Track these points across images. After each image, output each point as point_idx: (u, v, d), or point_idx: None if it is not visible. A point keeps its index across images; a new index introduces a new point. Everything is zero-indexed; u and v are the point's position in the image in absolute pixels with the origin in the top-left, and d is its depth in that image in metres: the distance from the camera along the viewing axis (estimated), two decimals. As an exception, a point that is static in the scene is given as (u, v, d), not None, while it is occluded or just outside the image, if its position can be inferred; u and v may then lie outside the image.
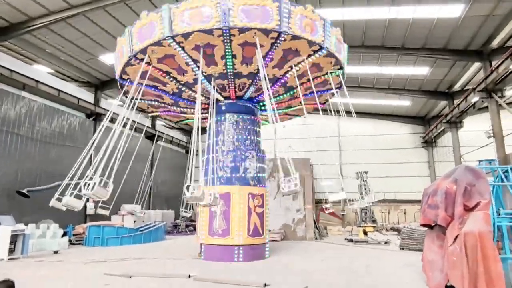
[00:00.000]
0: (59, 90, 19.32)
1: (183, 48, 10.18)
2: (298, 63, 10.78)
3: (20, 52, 18.63)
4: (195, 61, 10.59)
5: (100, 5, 14.82)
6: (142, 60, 10.94)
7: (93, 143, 10.61)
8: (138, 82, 11.58)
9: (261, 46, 9.85)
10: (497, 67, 15.03)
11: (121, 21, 16.31)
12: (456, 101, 21.64)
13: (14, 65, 17.27)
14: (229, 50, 10.12)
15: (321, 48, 10.17)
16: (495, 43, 16.63)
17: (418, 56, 18.90)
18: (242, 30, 9.35)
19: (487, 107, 17.09)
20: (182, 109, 14.28)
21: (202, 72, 11.27)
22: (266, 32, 9.40)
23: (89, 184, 9.06)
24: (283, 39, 9.62)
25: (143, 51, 10.49)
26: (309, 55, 10.48)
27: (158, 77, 11.83)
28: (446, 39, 17.14)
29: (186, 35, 9.62)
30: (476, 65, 19.00)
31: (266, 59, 10.42)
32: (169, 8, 9.65)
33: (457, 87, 22.49)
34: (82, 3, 14.85)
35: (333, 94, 13.41)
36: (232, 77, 11.44)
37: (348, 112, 13.11)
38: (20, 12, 15.15)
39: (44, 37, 17.27)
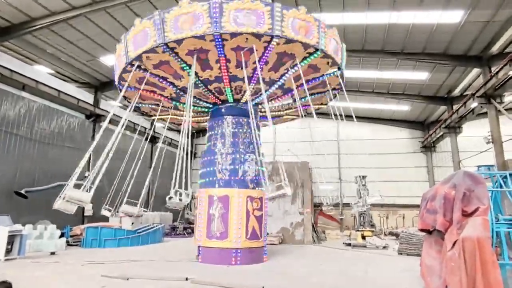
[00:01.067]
0: (59, 91, 19.32)
1: (177, 54, 10.24)
2: (294, 65, 10.73)
3: (21, 52, 18.65)
4: (190, 66, 10.67)
5: (101, 6, 14.86)
6: (138, 66, 11.02)
7: (94, 145, 10.67)
8: (136, 87, 11.68)
9: (255, 50, 9.85)
10: (497, 73, 15.08)
11: (122, 23, 16.36)
12: (455, 107, 21.69)
13: (14, 65, 17.28)
14: (223, 55, 10.12)
15: (316, 50, 10.14)
16: (494, 49, 16.69)
17: (418, 61, 18.95)
18: (234, 35, 9.33)
19: (486, 112, 17.12)
20: (182, 113, 14.33)
21: (198, 76, 11.35)
22: (258, 36, 9.38)
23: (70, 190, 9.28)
24: (276, 42, 9.58)
25: (138, 58, 10.56)
26: (305, 57, 10.46)
27: (155, 82, 11.89)
28: (445, 44, 17.21)
29: (178, 41, 9.66)
30: (476, 70, 19.06)
31: (261, 62, 10.40)
32: (161, 14, 9.67)
33: (456, 92, 22.55)
34: (84, 4, 14.89)
35: (334, 96, 13.40)
36: (228, 80, 11.43)
37: (348, 116, 13.13)
38: (21, 13, 15.19)
39: (45, 37, 17.31)
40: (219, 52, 9.98)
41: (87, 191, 9.36)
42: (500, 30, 15.40)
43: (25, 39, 17.20)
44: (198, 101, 13.17)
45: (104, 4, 14.78)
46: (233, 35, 9.33)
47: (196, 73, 11.30)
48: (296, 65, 10.70)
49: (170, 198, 9.00)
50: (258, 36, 9.38)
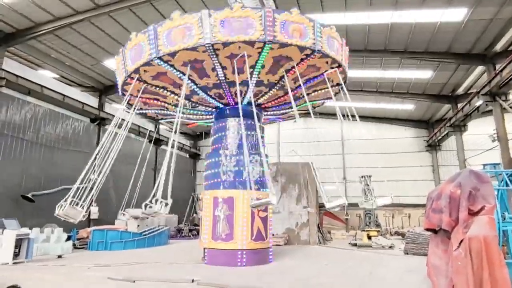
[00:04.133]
0: (63, 95, 19.47)
1: (172, 66, 10.31)
2: (293, 67, 10.62)
3: (26, 57, 18.84)
4: (188, 76, 10.74)
5: (104, 11, 14.96)
6: (138, 79, 11.17)
7: (101, 149, 10.80)
8: (139, 96, 11.83)
9: (249, 56, 9.80)
10: (501, 71, 14.99)
11: (125, 27, 16.47)
12: (460, 105, 21.57)
13: (19, 70, 17.43)
14: (217, 63, 10.13)
15: (313, 51, 9.97)
16: (498, 46, 16.58)
17: (421, 60, 18.86)
18: (225, 44, 9.29)
19: (491, 110, 17.01)
20: (187, 116, 14.45)
21: (196, 84, 11.43)
22: (250, 43, 9.31)
23: (61, 206, 9.54)
24: (269, 48, 9.50)
25: (136, 71, 10.71)
26: (302, 59, 10.33)
27: (157, 91, 12.02)
28: (449, 43, 17.13)
29: (172, 54, 9.71)
30: (480, 68, 18.95)
31: (257, 67, 10.40)
32: (155, 28, 9.76)
33: (460, 90, 22.42)
34: (87, 9, 15.01)
35: (339, 91, 13.27)
36: (226, 86, 11.44)
37: (352, 116, 13.06)
38: (26, 18, 15.34)
39: (49, 42, 17.45)
40: (214, 61, 10.00)
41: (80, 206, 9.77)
42: (504, 28, 15.30)
43: (29, 44, 17.36)
44: (200, 107, 13.25)
45: (108, 9, 14.88)
46: (225, 44, 9.29)
47: (193, 81, 11.38)
48: (294, 66, 10.58)
49: (146, 205, 8.75)
50: (250, 43, 9.31)
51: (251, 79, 11.01)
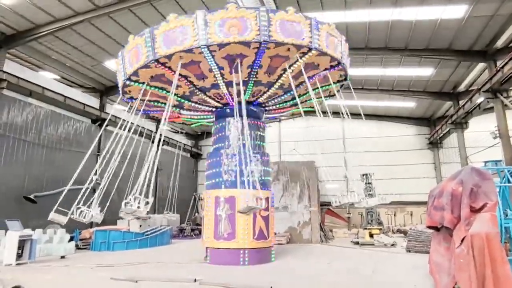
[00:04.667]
0: (65, 96, 19.51)
1: (169, 68, 10.32)
2: (290, 65, 10.55)
3: (27, 59, 18.88)
4: (185, 77, 10.81)
5: (105, 11, 14.98)
6: (137, 81, 11.21)
7: (106, 150, 10.88)
8: (140, 98, 11.89)
9: (246, 56, 9.80)
10: (502, 67, 14.93)
11: (125, 27, 16.48)
12: (461, 102, 21.50)
13: (20, 72, 17.47)
14: (214, 64, 10.12)
15: (310, 49, 9.89)
16: (499, 43, 16.52)
17: (422, 57, 18.81)
18: (221, 45, 9.28)
19: (492, 107, 16.96)
20: (190, 115, 14.49)
21: (194, 85, 11.45)
22: (246, 44, 9.28)
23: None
24: (265, 48, 9.46)
25: (135, 74, 10.77)
26: (300, 57, 10.23)
27: (156, 93, 12.06)
28: (450, 40, 17.07)
29: (168, 57, 9.72)
30: (481, 65, 18.89)
31: (254, 66, 10.37)
32: (151, 30, 9.79)
33: (462, 87, 22.36)
34: (87, 10, 15.03)
35: (341, 86, 13.19)
36: (224, 86, 11.44)
37: (353, 114, 13.04)
38: (26, 20, 15.38)
39: (50, 44, 17.49)
40: (210, 62, 9.99)
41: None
42: (505, 24, 15.23)
43: (30, 46, 17.40)
44: (200, 106, 13.25)
45: (107, 9, 14.89)
46: (221, 45, 9.28)
47: (192, 82, 11.39)
48: (292, 65, 10.53)
49: (126, 204, 8.49)
50: (246, 44, 9.28)
51: (249, 79, 11.01)
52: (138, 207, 8.28)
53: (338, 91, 13.14)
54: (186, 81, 11.13)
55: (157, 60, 9.92)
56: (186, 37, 9.33)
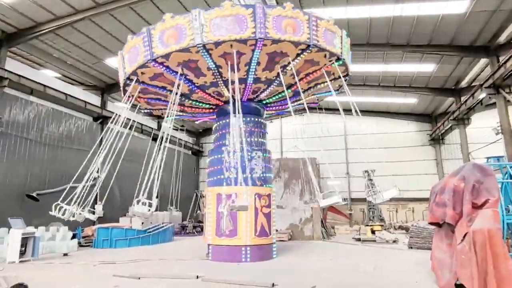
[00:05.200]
0: (66, 94, 19.52)
1: (167, 67, 10.30)
2: (289, 62, 10.44)
3: (28, 57, 18.88)
4: (184, 76, 10.78)
5: (105, 9, 14.95)
6: (137, 80, 11.22)
7: (105, 147, 10.89)
8: (141, 97, 11.91)
9: (243, 54, 9.74)
10: (505, 63, 14.83)
11: (125, 24, 16.46)
12: (463, 98, 21.40)
13: (22, 70, 17.48)
14: (211, 62, 10.10)
15: (308, 45, 9.77)
16: (502, 38, 16.42)
17: (424, 53, 18.74)
18: (217, 44, 9.23)
19: (495, 103, 16.87)
20: (193, 113, 14.49)
21: (193, 83, 11.46)
22: (243, 41, 9.22)
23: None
24: (262, 45, 9.40)
25: (134, 73, 10.81)
26: (298, 54, 10.14)
27: (157, 91, 12.06)
28: (452, 35, 16.98)
29: (166, 56, 9.71)
30: (483, 60, 18.79)
31: (252, 64, 10.32)
32: (148, 30, 9.77)
33: (464, 83, 22.26)
34: (87, 7, 15.01)
35: (340, 86, 13.12)
36: (223, 84, 11.42)
37: (355, 111, 12.97)
38: (27, 18, 15.37)
39: (51, 42, 17.49)
40: (208, 60, 9.96)
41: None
42: (507, 19, 15.13)
43: (31, 44, 17.40)
44: (200, 104, 13.24)
45: (108, 7, 14.87)
46: (217, 43, 9.23)
47: (191, 81, 11.37)
48: (290, 62, 10.42)
49: (138, 202, 8.82)
50: (242, 41, 9.22)
51: (247, 77, 10.97)
52: (149, 210, 8.46)
53: (340, 86, 13.06)
54: (185, 79, 11.10)
55: (154, 60, 9.91)
56: (182, 36, 9.30)
